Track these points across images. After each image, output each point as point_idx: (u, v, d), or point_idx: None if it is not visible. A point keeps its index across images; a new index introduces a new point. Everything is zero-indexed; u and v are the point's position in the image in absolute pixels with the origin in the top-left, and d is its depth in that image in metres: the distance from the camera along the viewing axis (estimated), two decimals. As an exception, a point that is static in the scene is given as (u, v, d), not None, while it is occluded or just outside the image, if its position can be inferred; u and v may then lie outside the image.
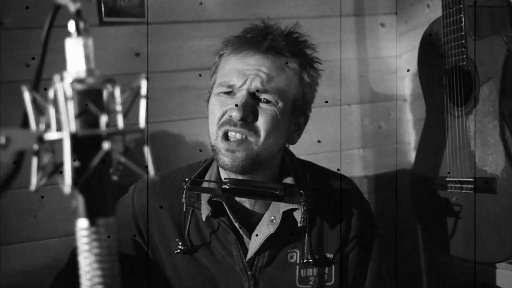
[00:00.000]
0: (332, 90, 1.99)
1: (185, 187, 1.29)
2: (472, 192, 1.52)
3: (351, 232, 1.38)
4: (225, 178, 1.30)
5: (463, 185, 1.55)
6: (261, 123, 1.27)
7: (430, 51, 1.66)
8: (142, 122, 0.75)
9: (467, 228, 1.55)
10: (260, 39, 1.29)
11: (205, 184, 1.36)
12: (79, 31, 0.75)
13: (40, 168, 0.72)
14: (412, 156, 1.98)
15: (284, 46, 1.30)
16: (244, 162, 1.26)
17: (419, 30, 1.77)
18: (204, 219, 1.32)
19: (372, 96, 2.04)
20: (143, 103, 0.77)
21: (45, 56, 0.80)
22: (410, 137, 2.06)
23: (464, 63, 1.52)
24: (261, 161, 1.29)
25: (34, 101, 0.74)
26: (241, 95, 1.27)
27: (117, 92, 0.75)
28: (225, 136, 1.27)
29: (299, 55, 1.33)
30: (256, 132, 1.27)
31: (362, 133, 2.02)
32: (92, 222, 0.72)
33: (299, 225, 1.30)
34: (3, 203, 1.57)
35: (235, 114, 1.25)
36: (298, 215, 1.31)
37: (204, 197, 1.33)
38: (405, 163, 2.02)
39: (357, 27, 2.01)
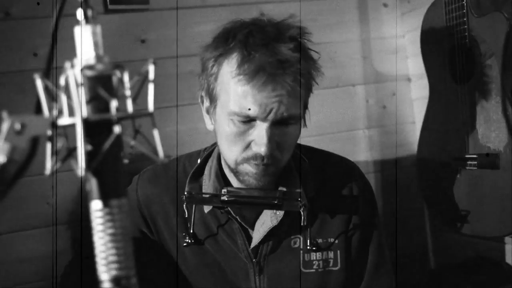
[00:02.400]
0: (336, 72, 2.00)
1: (184, 199, 1.29)
2: (476, 168, 1.54)
3: (353, 218, 1.39)
4: (223, 188, 1.30)
5: (467, 162, 1.57)
6: (286, 146, 1.25)
7: (432, 30, 1.67)
8: (151, 106, 0.78)
9: (472, 204, 1.57)
10: (274, 65, 1.18)
11: (206, 180, 1.36)
12: (87, 19, 0.77)
13: (54, 153, 0.75)
14: (416, 135, 2.00)
15: (298, 70, 1.20)
16: (270, 181, 1.27)
17: (422, 10, 1.77)
18: (206, 211, 1.35)
19: (376, 77, 2.05)
20: (151, 88, 0.79)
21: (55, 44, 0.83)
22: (415, 116, 2.08)
23: (466, 40, 1.53)
24: (281, 171, 1.29)
25: (46, 89, 0.77)
26: (264, 127, 1.20)
27: (126, 77, 0.78)
28: (254, 165, 1.24)
29: (307, 62, 1.26)
30: (280, 157, 1.25)
31: (367, 114, 2.04)
32: (106, 204, 0.75)
33: (301, 224, 1.29)
34: (17, 189, 1.60)
35: (264, 150, 1.20)
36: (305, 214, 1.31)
37: (205, 189, 1.35)
38: (410, 142, 2.03)
39: (360, 7, 2.02)
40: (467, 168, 1.58)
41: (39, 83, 0.76)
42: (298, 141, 1.39)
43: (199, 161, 1.40)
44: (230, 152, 1.26)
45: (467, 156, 1.57)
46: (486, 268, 1.76)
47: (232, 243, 1.35)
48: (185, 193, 1.30)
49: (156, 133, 0.79)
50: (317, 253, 1.35)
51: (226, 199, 1.28)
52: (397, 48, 2.01)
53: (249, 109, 1.18)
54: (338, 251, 1.37)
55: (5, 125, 0.71)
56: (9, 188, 0.72)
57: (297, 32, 1.26)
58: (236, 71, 1.19)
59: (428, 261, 2.10)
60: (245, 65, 1.18)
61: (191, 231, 1.33)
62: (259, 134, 1.20)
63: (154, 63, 0.80)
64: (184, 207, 1.31)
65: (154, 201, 1.39)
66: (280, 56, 1.17)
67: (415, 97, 2.07)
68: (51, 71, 0.79)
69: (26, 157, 0.73)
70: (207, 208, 1.34)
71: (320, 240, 1.36)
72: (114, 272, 0.75)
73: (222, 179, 1.35)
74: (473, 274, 1.76)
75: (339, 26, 2.00)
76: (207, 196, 1.32)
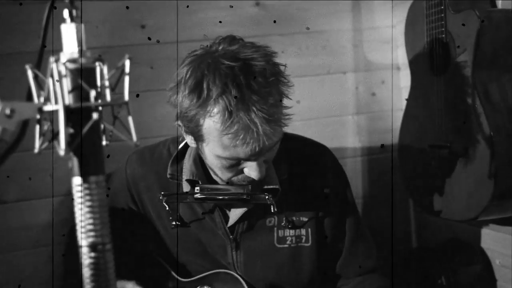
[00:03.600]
0: (327, 59, 2.10)
1: (161, 198, 1.41)
2: (447, 156, 1.64)
3: (324, 196, 1.48)
4: (196, 186, 1.40)
5: (440, 150, 1.67)
6: (272, 155, 1.37)
7: (415, 23, 1.76)
8: (126, 96, 0.90)
9: (445, 190, 1.68)
10: (255, 119, 1.22)
11: (186, 164, 1.46)
12: (72, 18, 0.88)
13: (41, 134, 0.87)
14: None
15: (274, 110, 1.25)
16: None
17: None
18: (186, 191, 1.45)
19: (366, 65, 2.14)
20: (126, 80, 0.91)
21: (46, 38, 0.95)
22: (403, 103, 2.16)
23: (443, 35, 1.62)
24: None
25: (36, 78, 0.88)
26: (254, 165, 1.30)
27: (105, 70, 0.89)
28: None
29: (278, 86, 1.30)
30: (269, 163, 1.38)
31: (356, 100, 2.14)
32: (85, 180, 0.86)
33: (272, 211, 1.38)
34: (23, 160, 1.72)
35: (255, 176, 1.31)
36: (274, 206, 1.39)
37: (185, 174, 1.44)
38: (397, 128, 2.12)
39: (353, -2, 2.11)
40: (440, 155, 1.68)
41: (29, 73, 0.88)
42: None
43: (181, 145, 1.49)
44: (222, 174, 1.36)
45: (439, 144, 1.67)
46: (460, 249, 1.87)
47: (211, 221, 1.46)
48: (161, 193, 1.41)
49: (130, 120, 0.90)
50: (290, 230, 1.47)
51: (199, 196, 1.38)
52: (388, 38, 2.10)
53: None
54: (309, 229, 1.47)
55: (-3, 110, 0.83)
56: (1, 163, 0.84)
57: (263, 64, 1.27)
58: (222, 129, 1.23)
59: (411, 241, 2.20)
60: (230, 125, 1.22)
61: (177, 213, 1.44)
62: (251, 167, 1.31)
63: (130, 58, 0.92)
64: (164, 203, 1.41)
65: (140, 180, 1.50)
66: (263, 113, 1.21)
67: (403, 85, 2.15)
68: (41, 63, 0.91)
69: (15, 138, 0.85)
70: (186, 188, 1.43)
71: (294, 218, 1.46)
72: (91, 239, 0.87)
73: (200, 165, 1.44)
74: (447, 255, 1.87)
75: (332, 16, 2.09)
76: (182, 195, 1.42)
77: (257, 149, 1.24)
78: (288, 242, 1.47)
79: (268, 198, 1.37)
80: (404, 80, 2.14)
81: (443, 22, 1.60)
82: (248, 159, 1.29)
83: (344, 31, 2.12)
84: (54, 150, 0.83)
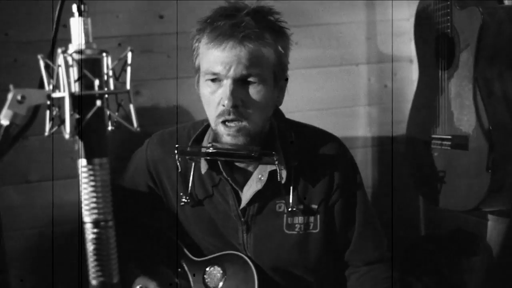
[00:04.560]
0: (340, 51, 2.15)
1: (176, 153, 1.47)
2: (449, 148, 1.69)
3: (334, 185, 1.54)
4: (209, 143, 1.48)
5: (443, 142, 1.71)
6: (251, 104, 1.41)
7: (424, 18, 1.80)
8: (127, 85, 0.97)
9: (445, 181, 1.72)
10: (233, 28, 1.38)
11: (204, 142, 1.54)
12: (80, 12, 0.95)
13: (51, 119, 0.95)
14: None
15: (257, 31, 1.39)
16: (244, 141, 1.43)
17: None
18: (203, 172, 1.53)
19: (379, 57, 2.18)
20: (129, 70, 0.98)
21: (58, 31, 1.02)
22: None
23: (449, 30, 1.66)
24: (257, 134, 1.45)
25: (47, 67, 0.96)
26: (227, 83, 1.39)
27: (109, 61, 0.97)
28: (224, 123, 1.42)
29: (270, 28, 1.43)
30: (249, 115, 1.41)
31: (368, 92, 2.18)
32: (89, 161, 0.94)
33: (278, 180, 1.46)
34: (47, 143, 1.81)
35: (227, 103, 1.38)
36: (283, 174, 1.49)
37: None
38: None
39: (368, -9, 2.14)
40: (443, 147, 1.73)
41: (41, 63, 0.96)
42: (292, 117, 1.60)
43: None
44: (209, 113, 1.45)
45: (442, 136, 1.72)
46: (463, 240, 1.90)
47: (225, 203, 1.52)
48: (177, 146, 1.48)
49: (132, 107, 0.98)
50: (299, 217, 1.53)
51: (211, 151, 1.44)
52: (402, 31, 2.13)
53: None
54: (318, 216, 1.52)
55: (9, 95, 0.91)
56: (11, 146, 0.92)
57: (263, 7, 1.45)
58: (206, 39, 1.42)
59: (420, 229, 2.24)
60: (212, 33, 1.40)
61: (190, 190, 1.52)
62: (224, 90, 1.40)
63: (132, 51, 0.99)
64: (177, 162, 1.48)
65: (160, 161, 1.58)
66: (237, 20, 1.38)
67: (415, 78, 2.18)
68: (54, 54, 0.98)
69: (25, 122, 0.93)
70: (204, 169, 1.52)
71: (302, 206, 1.53)
72: (94, 216, 0.95)
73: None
74: (450, 244, 1.91)
75: (346, 8, 2.13)
76: (196, 149, 1.50)
77: (232, 60, 1.38)
78: (297, 229, 1.52)
79: (275, 159, 1.43)
80: (416, 73, 2.17)
81: (448, 18, 1.64)
82: (221, 73, 1.39)
83: (358, 23, 2.17)
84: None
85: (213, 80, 1.42)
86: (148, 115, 2.00)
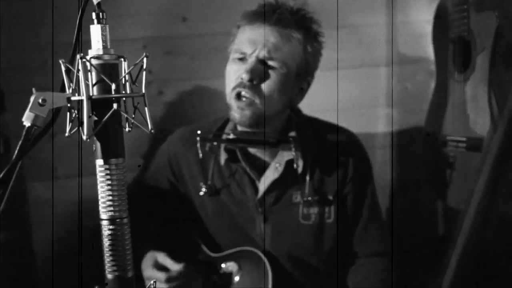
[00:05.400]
0: (361, 52, 2.17)
1: (198, 139, 1.55)
2: (464, 150, 1.71)
3: (348, 177, 1.61)
4: (230, 129, 1.55)
5: (458, 144, 1.73)
6: (266, 86, 1.50)
7: (442, 20, 1.82)
8: (143, 89, 1.02)
9: (460, 182, 1.74)
10: (271, 13, 1.51)
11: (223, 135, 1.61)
12: (99, 20, 1.00)
13: (71, 120, 1.01)
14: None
15: (291, 20, 1.51)
16: (250, 119, 1.51)
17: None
18: (222, 163, 1.59)
19: (399, 59, 2.19)
20: (144, 75, 1.03)
21: (79, 37, 1.08)
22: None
23: (466, 34, 1.67)
24: (265, 118, 1.52)
25: (67, 71, 1.02)
26: (251, 61, 1.50)
27: (126, 65, 1.02)
28: (237, 96, 1.51)
29: (304, 28, 1.54)
30: (261, 94, 1.50)
31: (388, 93, 2.20)
32: (106, 162, 1.00)
33: (295, 167, 1.53)
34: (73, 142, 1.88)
35: (245, 76, 1.48)
36: (300, 164, 1.55)
37: (222, 145, 1.59)
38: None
39: (389, -6, 2.16)
40: (458, 149, 1.74)
41: (62, 67, 1.01)
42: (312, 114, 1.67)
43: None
44: (228, 86, 1.54)
45: (458, 138, 1.73)
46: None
47: (242, 194, 1.59)
48: (198, 132, 1.55)
49: (147, 110, 1.02)
50: (315, 207, 1.58)
51: (231, 137, 1.54)
52: (423, 32, 2.14)
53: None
54: (332, 206, 1.59)
55: (32, 98, 0.97)
56: (33, 146, 0.98)
57: (304, 10, 1.58)
58: (243, 22, 1.56)
59: (437, 229, 2.25)
60: (250, 16, 1.55)
61: (210, 180, 1.59)
62: (246, 66, 1.50)
63: (147, 56, 1.03)
64: (199, 148, 1.55)
65: (181, 156, 1.66)
66: (281, 16, 1.51)
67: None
68: (75, 59, 1.03)
69: (46, 124, 0.99)
70: (222, 160, 1.59)
71: (317, 197, 1.58)
72: (110, 213, 1.00)
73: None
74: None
75: (367, 11, 2.15)
76: (217, 136, 1.58)
77: (260, 40, 1.48)
78: (312, 220, 1.59)
79: (292, 146, 1.51)
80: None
81: (465, 21, 1.66)
82: (247, 52, 1.50)
83: (379, 26, 2.18)
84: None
85: (240, 59, 1.52)
86: (171, 115, 2.05)
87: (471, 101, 1.69)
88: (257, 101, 1.50)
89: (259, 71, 1.50)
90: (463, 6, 1.67)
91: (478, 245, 1.57)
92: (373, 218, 1.66)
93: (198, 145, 1.55)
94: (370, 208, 1.65)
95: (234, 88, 1.51)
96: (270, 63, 1.50)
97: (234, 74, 1.52)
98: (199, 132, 1.56)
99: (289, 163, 1.55)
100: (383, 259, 1.64)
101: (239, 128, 1.58)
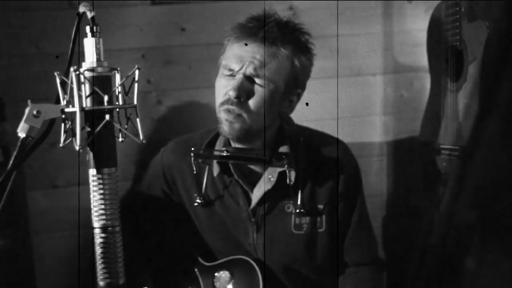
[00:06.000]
0: (357, 62, 2.19)
1: (192, 154, 1.56)
2: (457, 158, 1.73)
3: (339, 188, 1.63)
4: (223, 147, 1.57)
5: (451, 152, 1.75)
6: (253, 102, 1.52)
7: (435, 30, 1.84)
8: (135, 100, 1.04)
9: (452, 190, 1.76)
10: (258, 29, 1.52)
11: (216, 146, 1.63)
12: (93, 33, 1.03)
13: (65, 131, 1.03)
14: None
15: (278, 36, 1.52)
16: (239, 132, 1.53)
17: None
18: (215, 175, 1.61)
19: (395, 67, 2.22)
20: (136, 87, 1.05)
21: (74, 50, 1.10)
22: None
23: (458, 43, 1.69)
24: (253, 132, 1.54)
25: (62, 84, 1.04)
26: (238, 78, 1.51)
27: (118, 78, 1.04)
28: (226, 110, 1.53)
29: (292, 42, 1.54)
30: (248, 110, 1.51)
31: (384, 101, 2.22)
32: (98, 171, 1.02)
33: (287, 182, 1.54)
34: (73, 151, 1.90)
35: (231, 94, 1.50)
36: (292, 175, 1.57)
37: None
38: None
39: (385, 3, 2.18)
40: (451, 157, 1.76)
41: (57, 80, 1.04)
42: (310, 126, 1.70)
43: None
44: (217, 101, 1.56)
45: (451, 147, 1.75)
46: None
47: (235, 204, 1.62)
48: (192, 149, 1.57)
49: (138, 121, 1.05)
50: (307, 217, 1.60)
51: (225, 154, 1.56)
52: (419, 41, 2.16)
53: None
54: (324, 216, 1.62)
55: (27, 110, 0.99)
56: (27, 156, 1.00)
57: (293, 22, 1.59)
58: (232, 38, 1.56)
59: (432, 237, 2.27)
60: (239, 31, 1.55)
61: (203, 191, 1.61)
62: (233, 82, 1.51)
63: (139, 68, 1.06)
64: (193, 163, 1.56)
65: (175, 167, 1.68)
66: (268, 34, 1.50)
67: (431, 87, 2.21)
68: (69, 71, 1.05)
69: (41, 135, 1.02)
70: (216, 172, 1.61)
71: (309, 207, 1.60)
72: (102, 222, 1.03)
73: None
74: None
75: (363, 20, 2.18)
76: (210, 152, 1.60)
77: (247, 57, 1.50)
78: (304, 230, 1.61)
79: (284, 162, 1.53)
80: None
81: (457, 31, 1.68)
82: (235, 69, 1.51)
83: (375, 34, 2.21)
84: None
85: (228, 76, 1.53)
86: (168, 124, 2.08)
87: (463, 110, 1.71)
88: (244, 115, 1.52)
89: (246, 88, 1.51)
90: (455, 16, 1.69)
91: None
92: (361, 228, 1.68)
93: (192, 160, 1.57)
94: (358, 219, 1.67)
95: (222, 104, 1.54)
96: (257, 80, 1.52)
97: (223, 89, 1.54)
98: (192, 148, 1.58)
99: (282, 174, 1.57)
100: (372, 268, 1.66)
101: (232, 142, 1.60)
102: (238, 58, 1.52)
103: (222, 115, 1.54)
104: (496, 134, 1.55)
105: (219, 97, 1.55)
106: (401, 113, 2.23)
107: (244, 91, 1.51)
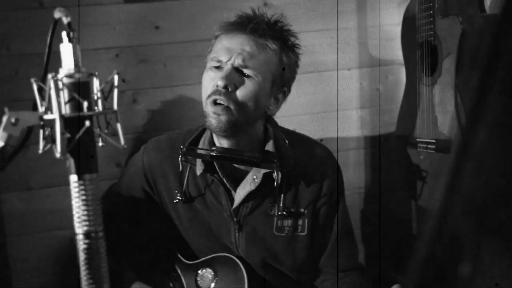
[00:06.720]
0: (333, 56, 2.20)
1: (180, 152, 1.56)
2: (433, 152, 1.75)
3: (322, 191, 1.63)
4: (212, 147, 1.57)
5: (428, 145, 1.78)
6: (241, 93, 1.52)
7: (409, 24, 1.86)
8: (115, 105, 1.03)
9: (429, 183, 1.79)
10: (247, 23, 1.54)
11: (200, 144, 1.63)
12: (69, 39, 1.01)
13: (44, 138, 1.02)
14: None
15: (267, 30, 1.53)
16: (226, 125, 1.52)
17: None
18: (198, 174, 1.60)
19: (371, 61, 2.23)
20: (115, 92, 1.04)
21: (50, 56, 1.09)
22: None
23: (432, 38, 1.72)
24: (241, 126, 1.54)
25: (40, 90, 1.03)
26: (226, 69, 1.52)
27: (97, 83, 1.03)
28: (213, 103, 1.52)
29: (280, 39, 1.56)
30: (236, 101, 1.51)
31: (360, 95, 2.24)
32: (80, 177, 1.01)
33: (275, 184, 1.55)
34: (49, 152, 1.89)
35: (220, 83, 1.50)
36: (278, 177, 1.56)
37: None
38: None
39: (358, -2, 2.20)
40: (428, 150, 1.79)
41: (34, 86, 1.02)
42: (286, 121, 1.71)
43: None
44: (204, 94, 1.56)
45: (427, 140, 1.78)
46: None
47: (218, 203, 1.61)
48: (181, 147, 1.57)
49: (119, 126, 1.04)
50: (288, 220, 1.61)
51: (214, 154, 1.55)
52: (393, 35, 2.18)
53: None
54: (306, 219, 1.61)
55: (4, 118, 0.98)
56: (6, 165, 0.99)
57: (282, 22, 1.61)
58: (220, 33, 1.58)
59: (412, 228, 2.30)
60: (227, 26, 1.57)
61: (184, 189, 1.60)
62: (221, 73, 1.52)
63: (118, 73, 1.05)
64: (180, 161, 1.57)
65: (156, 166, 1.67)
66: (256, 26, 1.54)
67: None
68: (46, 77, 1.04)
69: (19, 143, 1.00)
70: (199, 171, 1.60)
71: (292, 210, 1.60)
72: (85, 228, 1.02)
73: (214, 145, 1.61)
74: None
75: (337, 14, 2.18)
76: (201, 151, 1.59)
77: (235, 48, 1.51)
78: (286, 232, 1.61)
79: (275, 166, 1.53)
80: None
81: (432, 26, 1.70)
82: (223, 60, 1.53)
83: (350, 29, 2.22)
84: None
85: (216, 68, 1.54)
86: (145, 123, 2.07)
87: (439, 104, 1.73)
88: (232, 107, 1.51)
89: (234, 79, 1.52)
90: (429, 11, 1.71)
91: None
92: (343, 233, 1.68)
93: (180, 158, 1.57)
94: (340, 223, 1.67)
95: (209, 96, 1.53)
96: (245, 71, 1.52)
97: (211, 82, 1.54)
98: (182, 146, 1.58)
99: (266, 175, 1.57)
100: (359, 274, 1.68)
101: (215, 139, 1.60)
102: (227, 50, 1.53)
103: (209, 108, 1.53)
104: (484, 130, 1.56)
105: (207, 90, 1.55)
106: (377, 107, 2.25)
107: (232, 81, 1.51)
